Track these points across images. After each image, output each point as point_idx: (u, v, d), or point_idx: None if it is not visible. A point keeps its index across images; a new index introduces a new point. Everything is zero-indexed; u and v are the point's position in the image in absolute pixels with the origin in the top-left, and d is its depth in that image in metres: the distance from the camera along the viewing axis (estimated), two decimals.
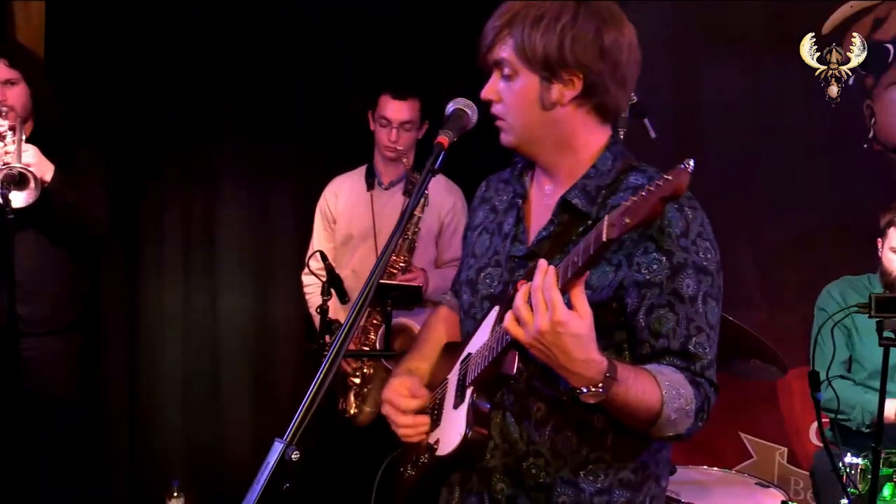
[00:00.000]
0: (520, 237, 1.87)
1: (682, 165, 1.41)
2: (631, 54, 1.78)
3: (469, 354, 1.85)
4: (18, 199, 3.06)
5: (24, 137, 3.19)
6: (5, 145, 3.13)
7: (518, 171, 1.95)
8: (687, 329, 1.71)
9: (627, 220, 1.43)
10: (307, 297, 3.84)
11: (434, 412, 1.93)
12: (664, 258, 1.70)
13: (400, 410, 1.92)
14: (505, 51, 1.76)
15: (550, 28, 1.72)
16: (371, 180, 3.73)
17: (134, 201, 4.16)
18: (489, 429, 1.80)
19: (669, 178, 1.41)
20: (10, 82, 3.29)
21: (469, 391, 1.79)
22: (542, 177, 1.88)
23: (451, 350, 2.00)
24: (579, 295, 1.54)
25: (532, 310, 1.54)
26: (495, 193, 2.01)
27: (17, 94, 3.30)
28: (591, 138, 1.82)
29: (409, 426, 1.91)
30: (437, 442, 1.86)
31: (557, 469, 1.78)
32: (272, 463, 1.47)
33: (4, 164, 3.06)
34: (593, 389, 1.58)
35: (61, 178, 3.18)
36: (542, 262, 1.56)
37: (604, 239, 1.46)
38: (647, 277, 1.71)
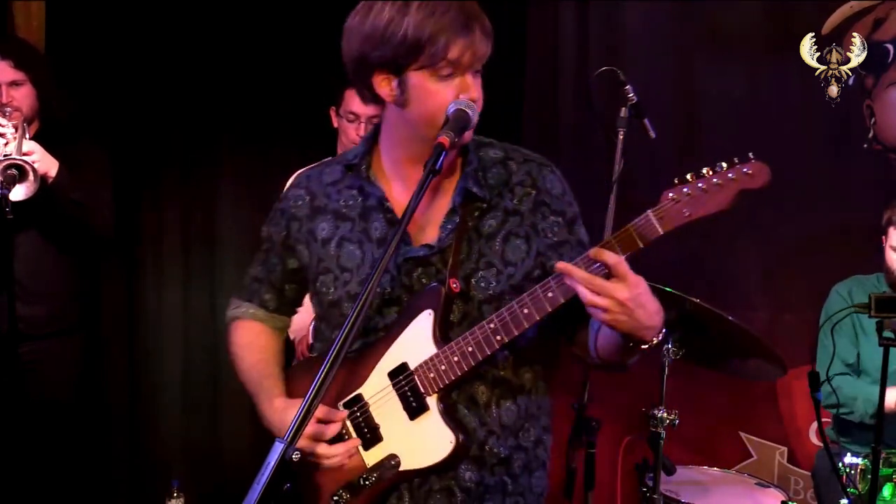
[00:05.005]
0: (404, 238, 1.82)
1: (756, 159, 1.51)
2: None
3: (404, 364, 1.81)
4: (17, 192, 3.02)
5: (27, 135, 3.18)
6: (6, 143, 3.12)
7: (363, 173, 1.89)
8: None
9: (688, 213, 1.54)
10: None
11: (364, 431, 1.85)
12: (560, 218, 1.86)
13: (324, 440, 1.81)
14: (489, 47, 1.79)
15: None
16: None
17: (134, 201, 4.16)
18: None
19: (749, 171, 1.51)
20: (15, 83, 3.28)
21: (433, 400, 1.80)
22: (408, 172, 1.84)
23: (317, 367, 1.62)
24: (623, 263, 1.64)
25: (599, 293, 1.62)
26: (329, 200, 1.92)
27: (23, 96, 3.29)
28: None
29: (341, 453, 1.81)
30: (391, 458, 1.82)
31: (506, 439, 1.87)
32: (272, 463, 1.47)
33: (4, 157, 3.03)
34: (660, 335, 1.68)
35: (66, 175, 3.16)
36: (561, 265, 1.65)
37: (661, 232, 1.60)
38: (556, 239, 1.85)
